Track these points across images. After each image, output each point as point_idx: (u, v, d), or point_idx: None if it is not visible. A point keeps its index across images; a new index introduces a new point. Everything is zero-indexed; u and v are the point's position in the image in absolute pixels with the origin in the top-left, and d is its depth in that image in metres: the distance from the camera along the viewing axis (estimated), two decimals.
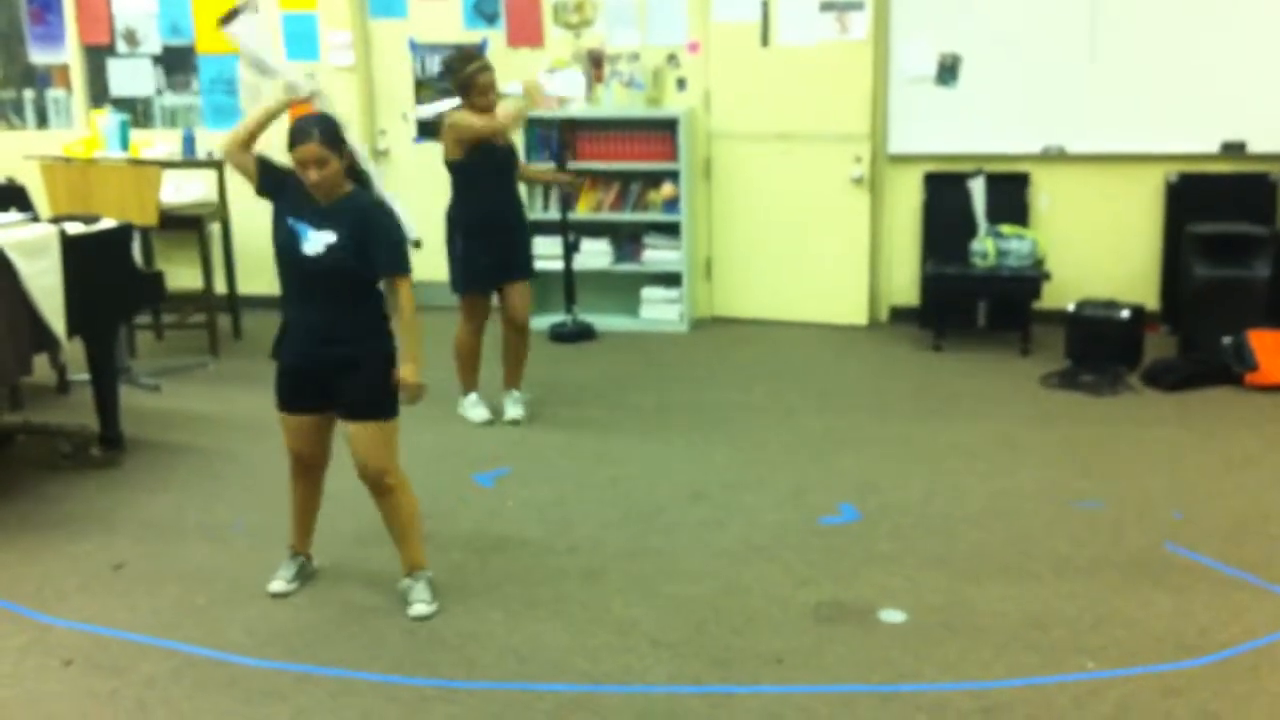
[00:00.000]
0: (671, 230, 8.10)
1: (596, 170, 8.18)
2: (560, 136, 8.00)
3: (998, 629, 4.02)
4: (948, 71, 7.83)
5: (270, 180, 4.17)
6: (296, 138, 3.95)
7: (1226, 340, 6.74)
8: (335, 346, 4.02)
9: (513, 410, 6.28)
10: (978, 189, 7.66)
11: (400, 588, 4.25)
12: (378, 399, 4.07)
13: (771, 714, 3.54)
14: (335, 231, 3.95)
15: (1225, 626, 3.99)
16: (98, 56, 8.76)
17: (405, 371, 4.04)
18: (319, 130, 3.94)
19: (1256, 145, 7.56)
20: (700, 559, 4.61)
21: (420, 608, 4.16)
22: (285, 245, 4.02)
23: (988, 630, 4.00)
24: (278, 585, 4.35)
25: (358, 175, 4.18)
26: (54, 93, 8.87)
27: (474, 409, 6.32)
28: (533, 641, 3.99)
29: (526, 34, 8.37)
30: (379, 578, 4.48)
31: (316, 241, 3.95)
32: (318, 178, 3.93)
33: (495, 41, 8.42)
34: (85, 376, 5.99)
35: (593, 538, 4.83)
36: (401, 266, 4.06)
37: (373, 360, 4.05)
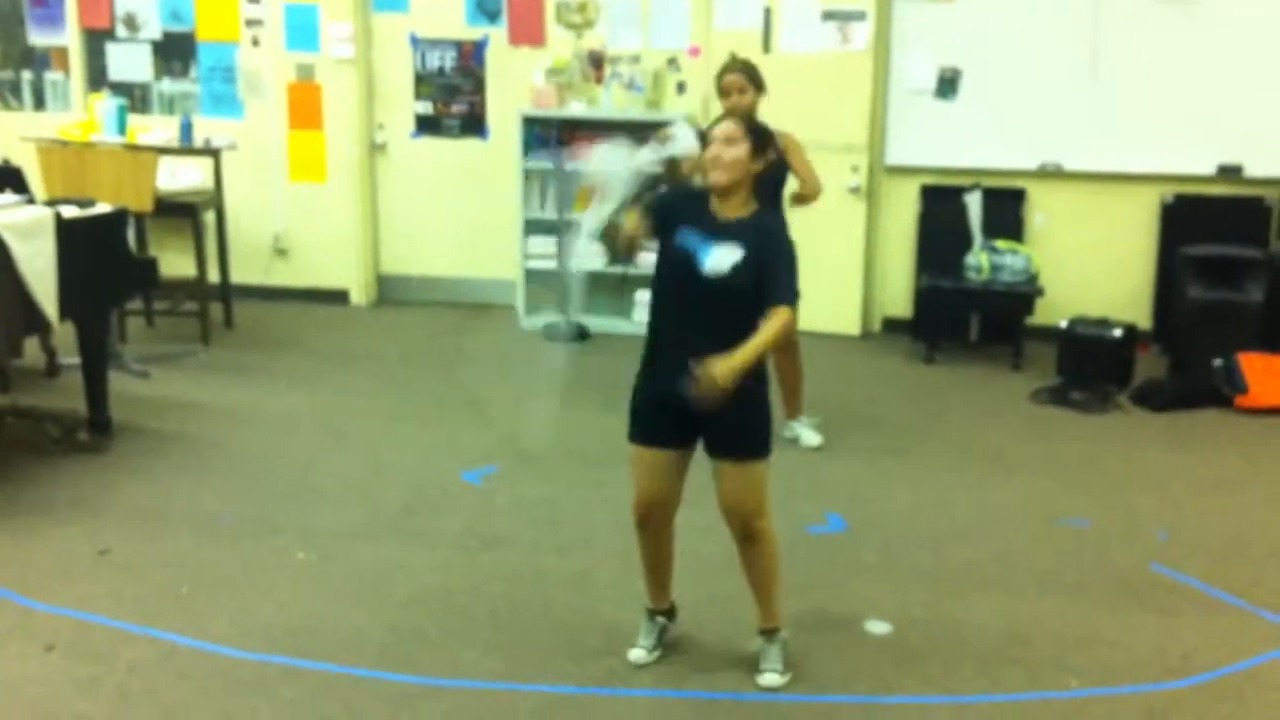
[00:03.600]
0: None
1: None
2: (559, 136, 7.99)
3: (982, 644, 4.02)
4: (947, 85, 7.85)
5: (659, 216, 3.65)
6: (720, 119, 3.83)
7: (1217, 362, 6.76)
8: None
9: (811, 437, 6.02)
10: (974, 203, 7.68)
11: (752, 649, 3.81)
12: (757, 436, 3.62)
13: None
14: (742, 247, 3.50)
15: (1210, 648, 3.99)
16: (97, 40, 8.74)
17: (721, 364, 3.36)
18: (747, 122, 3.71)
19: (1253, 169, 7.59)
20: (687, 565, 4.58)
21: (772, 678, 3.71)
22: (675, 263, 3.56)
23: (972, 645, 4.00)
24: (638, 655, 3.83)
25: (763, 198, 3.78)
26: (52, 75, 8.84)
27: (808, 433, 6.02)
28: (518, 642, 3.98)
29: (528, 33, 8.37)
30: (366, 571, 4.47)
31: (720, 258, 3.48)
32: (720, 153, 3.56)
33: (496, 39, 8.43)
34: (75, 360, 5.96)
35: (581, 539, 4.82)
36: (789, 297, 3.54)
37: (754, 393, 3.57)
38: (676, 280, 3.57)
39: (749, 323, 3.44)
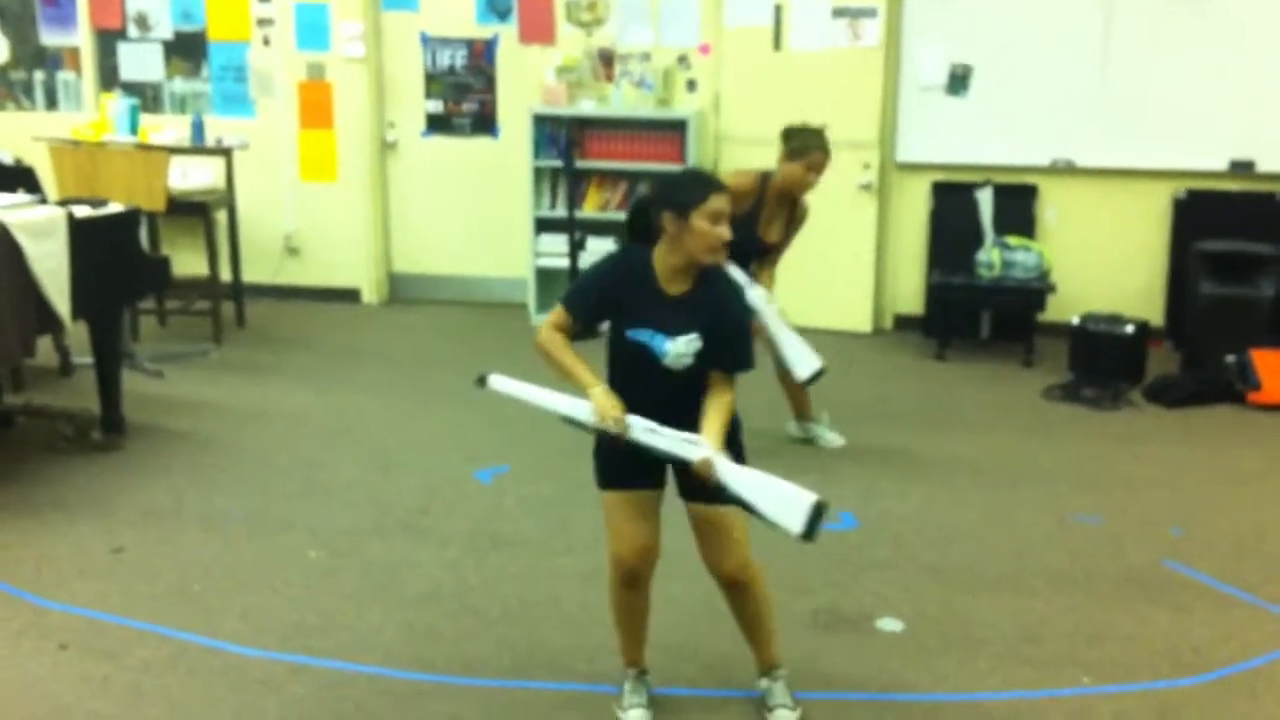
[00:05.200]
0: None
1: (604, 169, 8.18)
2: (568, 135, 7.99)
3: (993, 641, 4.01)
4: (959, 81, 7.83)
5: (597, 315, 3.39)
6: (707, 185, 3.24)
7: (1230, 358, 6.74)
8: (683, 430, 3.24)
9: (834, 439, 5.95)
10: (985, 200, 7.67)
11: (760, 687, 3.60)
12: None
13: None
14: (696, 329, 3.22)
15: (1222, 645, 3.98)
16: (109, 40, 8.76)
17: (711, 458, 3.19)
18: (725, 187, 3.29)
19: (1265, 164, 7.56)
20: (698, 562, 4.59)
21: (785, 714, 3.51)
22: (630, 352, 3.30)
23: (983, 642, 3.99)
24: (635, 716, 3.53)
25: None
26: (64, 75, 8.86)
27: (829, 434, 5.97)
28: (528, 640, 3.99)
29: (538, 31, 8.37)
30: (377, 569, 4.48)
31: (680, 352, 3.24)
32: (726, 235, 3.22)
33: (507, 38, 8.43)
34: (88, 360, 5.98)
35: (591, 538, 4.80)
36: (745, 366, 3.32)
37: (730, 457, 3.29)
38: (632, 365, 3.30)
39: (700, 389, 3.27)
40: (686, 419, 3.22)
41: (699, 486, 3.28)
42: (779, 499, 3.17)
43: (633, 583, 3.48)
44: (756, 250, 5.57)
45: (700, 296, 3.25)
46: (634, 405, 3.25)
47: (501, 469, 5.55)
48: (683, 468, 3.29)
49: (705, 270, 3.26)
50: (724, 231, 3.19)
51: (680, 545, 4.74)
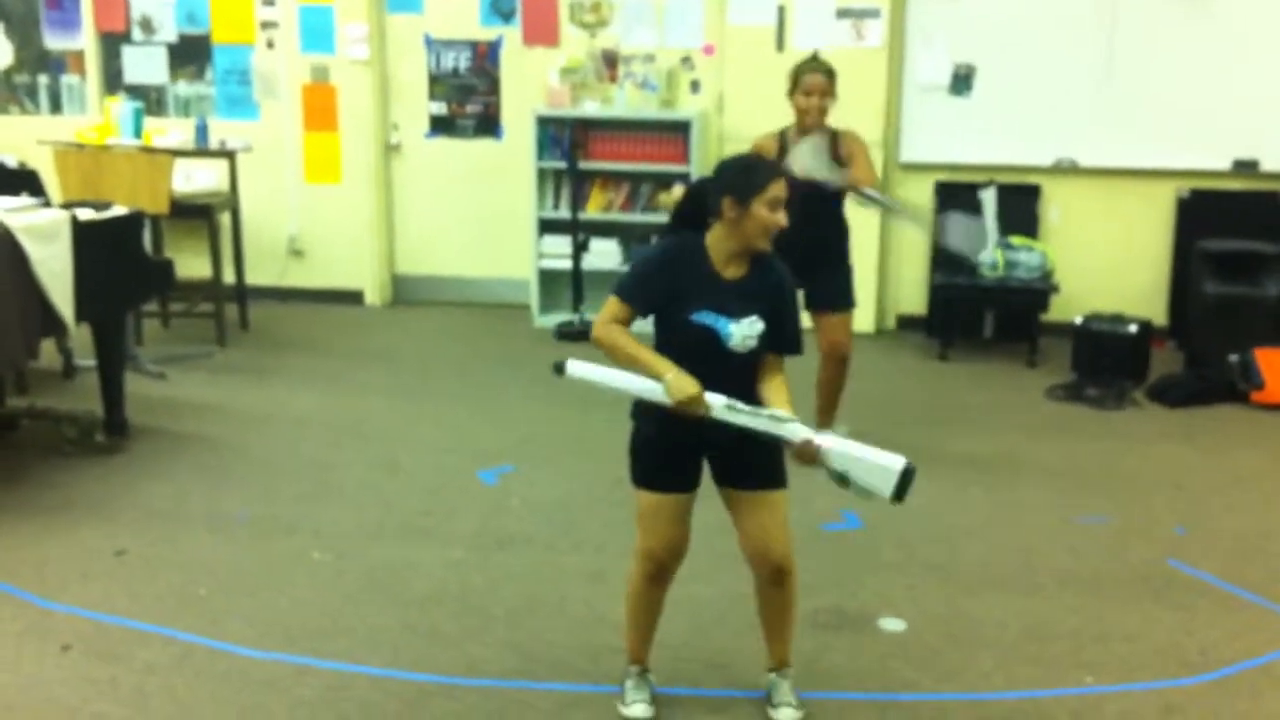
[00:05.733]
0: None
1: (607, 170, 8.19)
2: (572, 136, 8.00)
3: (997, 641, 4.01)
4: (962, 81, 7.83)
5: (652, 304, 3.35)
6: (769, 172, 3.31)
7: (1233, 358, 6.74)
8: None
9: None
10: (989, 199, 7.66)
11: (766, 683, 3.62)
12: (779, 464, 3.40)
13: None
14: (756, 311, 3.27)
15: (1227, 644, 3.98)
16: (113, 43, 8.77)
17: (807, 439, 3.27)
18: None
19: (1269, 163, 7.56)
20: (702, 562, 4.57)
21: (789, 713, 3.52)
22: (691, 336, 3.29)
23: (987, 642, 3.99)
24: (639, 710, 3.55)
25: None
26: (68, 78, 8.88)
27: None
28: (533, 640, 3.99)
29: (542, 33, 8.38)
30: (381, 570, 4.49)
31: (744, 336, 3.27)
32: (784, 222, 3.28)
33: (511, 39, 8.44)
34: (91, 362, 5.99)
35: (596, 538, 4.83)
36: (802, 349, 3.43)
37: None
38: (694, 349, 3.28)
39: (757, 371, 3.34)
40: (735, 393, 3.26)
41: (745, 472, 3.35)
42: (869, 466, 3.29)
43: (659, 578, 3.50)
44: (813, 197, 5.26)
45: (758, 279, 3.32)
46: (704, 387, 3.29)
47: (506, 469, 5.55)
48: (719, 455, 3.35)
49: (760, 255, 3.32)
50: (781, 218, 3.26)
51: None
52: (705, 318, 3.27)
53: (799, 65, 5.50)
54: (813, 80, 5.40)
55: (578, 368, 3.41)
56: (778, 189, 3.25)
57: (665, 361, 3.26)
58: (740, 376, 3.31)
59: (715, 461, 3.42)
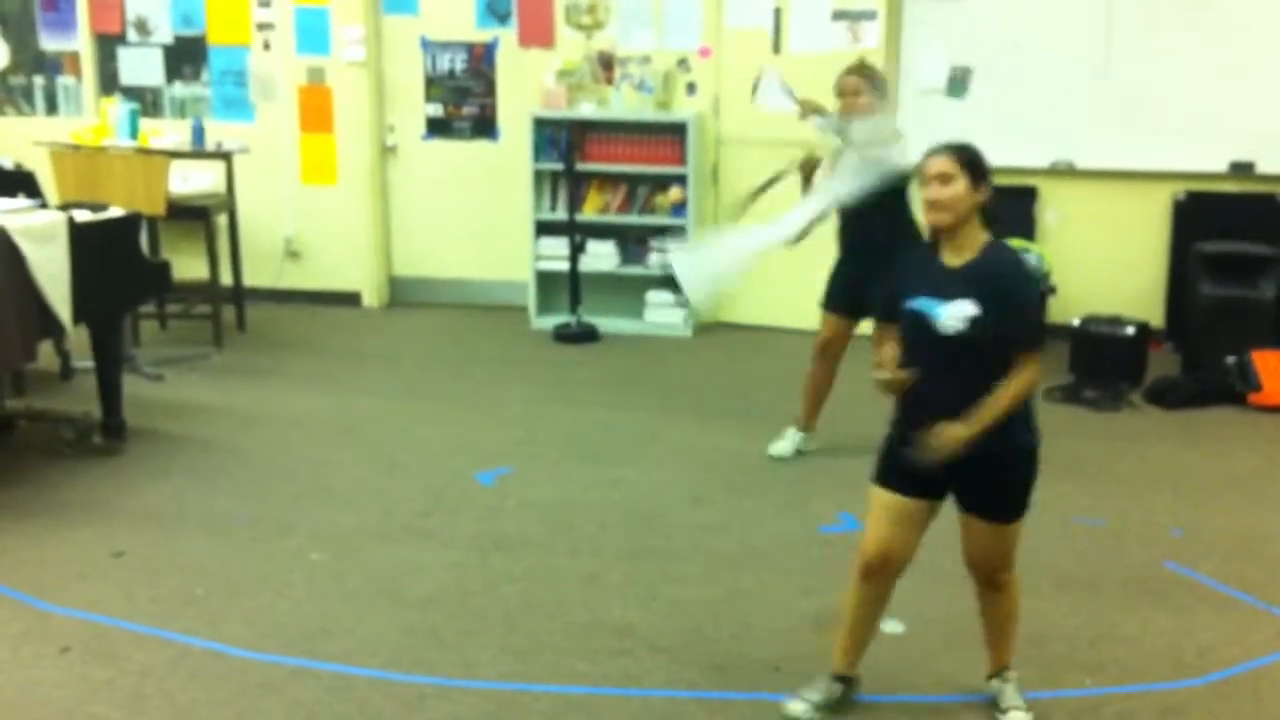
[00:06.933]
0: (678, 234, 8.10)
1: (604, 172, 8.18)
2: (569, 138, 8.00)
3: None
4: (958, 83, 7.84)
5: (892, 311, 3.47)
6: (928, 152, 3.40)
7: (1230, 360, 6.74)
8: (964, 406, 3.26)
9: (783, 447, 5.82)
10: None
11: (990, 689, 3.61)
12: (1016, 500, 3.37)
13: None
14: (971, 296, 3.25)
15: (1224, 646, 3.98)
16: (109, 45, 8.76)
17: (951, 431, 3.25)
18: (955, 149, 3.39)
19: (1265, 166, 7.56)
20: (700, 563, 4.61)
21: (1019, 715, 3.51)
22: (909, 323, 3.38)
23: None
24: (798, 707, 3.52)
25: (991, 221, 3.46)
26: (64, 80, 8.86)
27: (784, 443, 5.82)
28: (531, 642, 3.99)
29: (538, 34, 8.38)
30: (379, 572, 4.48)
31: (952, 317, 3.25)
32: (938, 195, 3.30)
33: (507, 41, 8.43)
34: (89, 364, 5.98)
35: (593, 539, 4.82)
36: (1034, 344, 3.33)
37: (1016, 457, 3.36)
38: (912, 334, 3.37)
39: (996, 370, 3.27)
40: (964, 390, 3.26)
41: (983, 501, 3.37)
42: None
43: (869, 577, 3.48)
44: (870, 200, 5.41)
45: (979, 267, 3.31)
46: (925, 378, 3.35)
47: (504, 471, 5.55)
48: (959, 477, 3.35)
49: (992, 242, 3.35)
50: (929, 191, 3.31)
51: (675, 546, 4.75)
52: (918, 303, 3.33)
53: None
54: (842, 82, 5.54)
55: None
56: (928, 165, 3.34)
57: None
58: (960, 364, 3.29)
59: (960, 490, 3.40)
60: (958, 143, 3.41)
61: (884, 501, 3.44)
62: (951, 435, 3.23)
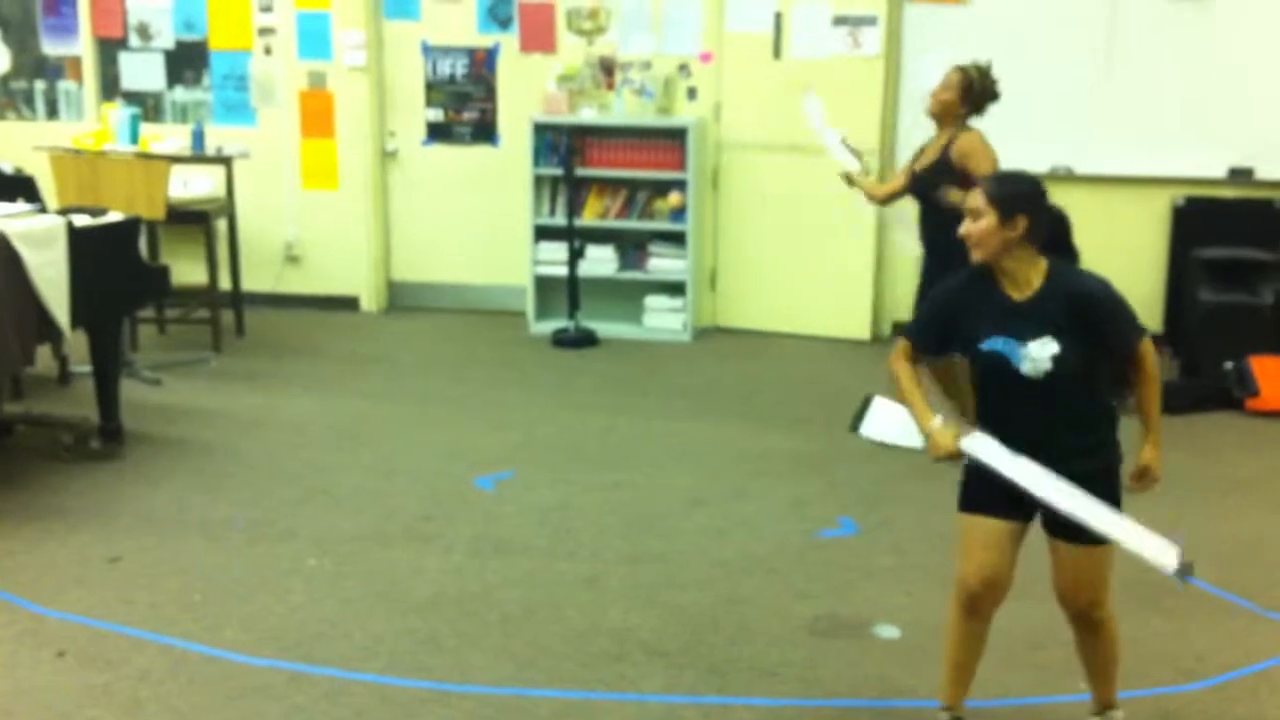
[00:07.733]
0: (677, 239, 8.11)
1: (604, 177, 8.19)
2: (569, 142, 8.00)
3: (994, 647, 3.97)
4: None
5: (938, 342, 3.40)
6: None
7: (1229, 365, 6.74)
8: (1059, 465, 3.19)
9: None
10: None
11: None
12: None
13: None
14: (1049, 332, 3.16)
15: (1222, 651, 3.98)
16: (110, 49, 8.77)
17: (1148, 454, 3.31)
18: (990, 182, 3.29)
19: (1264, 171, 7.57)
20: (699, 568, 4.60)
21: None
22: (986, 365, 3.24)
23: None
24: None
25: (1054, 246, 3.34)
26: (65, 84, 8.87)
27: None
28: (529, 647, 3.99)
29: (539, 40, 8.38)
30: (378, 576, 4.48)
31: (1036, 359, 3.15)
32: (967, 230, 3.21)
33: (508, 46, 8.44)
34: (87, 368, 5.99)
35: (592, 544, 4.82)
36: (1138, 331, 3.32)
37: (1104, 477, 3.30)
38: (994, 379, 3.24)
39: (1090, 392, 3.27)
40: (1061, 433, 3.21)
41: (1064, 524, 3.22)
42: (1144, 542, 3.25)
43: (973, 609, 3.37)
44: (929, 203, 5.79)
45: (1048, 299, 3.20)
46: (1005, 421, 3.23)
47: (503, 475, 5.55)
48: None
49: (1052, 271, 3.24)
50: (966, 225, 3.21)
51: (674, 551, 4.75)
52: (995, 343, 3.19)
53: None
54: (946, 74, 5.69)
55: (874, 430, 3.53)
56: (968, 200, 3.25)
57: (929, 413, 3.30)
58: (1047, 402, 3.20)
59: (1045, 510, 3.27)
60: (1000, 174, 3.36)
61: (981, 528, 3.30)
62: (1158, 468, 3.33)
